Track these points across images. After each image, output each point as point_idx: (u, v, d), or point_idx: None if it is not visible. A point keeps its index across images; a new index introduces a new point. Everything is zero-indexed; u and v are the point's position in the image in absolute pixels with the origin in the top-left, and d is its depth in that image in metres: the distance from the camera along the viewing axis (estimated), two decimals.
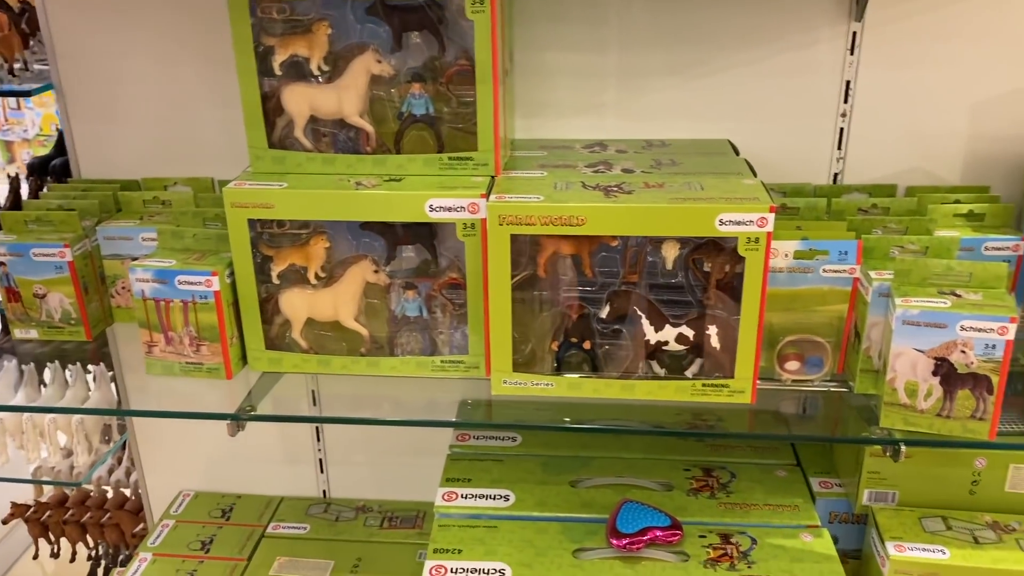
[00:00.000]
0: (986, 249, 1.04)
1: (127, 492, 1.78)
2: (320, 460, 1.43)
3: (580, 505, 1.10)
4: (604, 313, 0.95)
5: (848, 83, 1.11)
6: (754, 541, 1.03)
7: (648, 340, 0.95)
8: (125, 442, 1.65)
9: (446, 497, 1.12)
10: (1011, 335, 0.83)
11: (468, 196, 0.92)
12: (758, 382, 0.98)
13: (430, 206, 0.92)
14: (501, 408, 1.17)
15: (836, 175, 1.16)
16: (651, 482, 1.15)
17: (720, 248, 0.91)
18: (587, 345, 0.96)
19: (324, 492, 1.45)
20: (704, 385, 0.95)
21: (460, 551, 1.03)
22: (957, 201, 1.09)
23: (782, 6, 1.08)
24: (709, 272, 0.92)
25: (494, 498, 1.12)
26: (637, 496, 1.11)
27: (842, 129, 1.13)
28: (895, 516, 1.05)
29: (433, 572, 1.00)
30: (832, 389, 1.00)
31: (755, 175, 0.98)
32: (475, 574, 1.00)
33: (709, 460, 1.19)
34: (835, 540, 1.13)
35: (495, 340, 0.95)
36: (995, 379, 0.85)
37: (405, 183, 0.96)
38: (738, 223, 0.87)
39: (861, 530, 1.11)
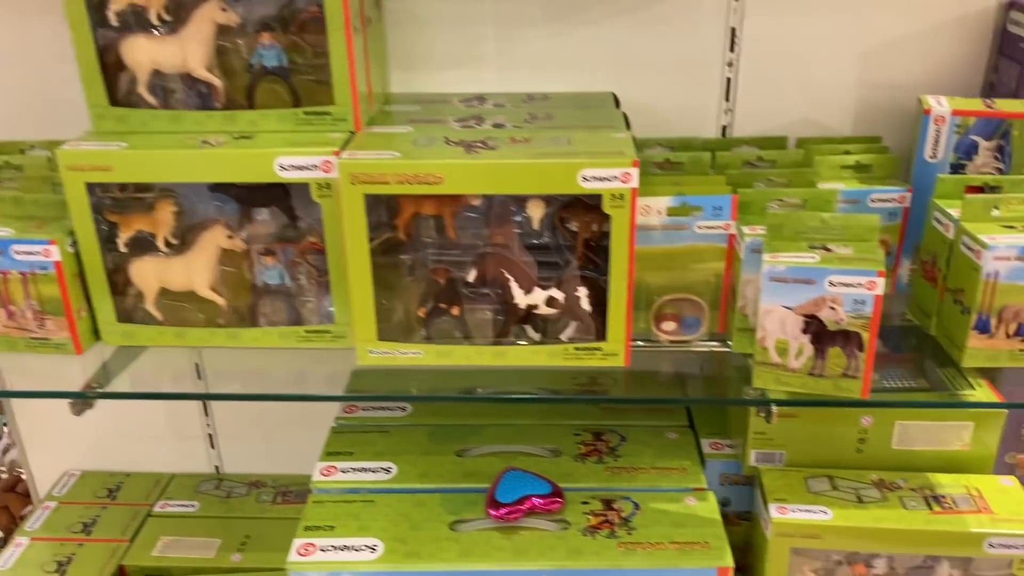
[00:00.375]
0: (872, 201, 1.01)
1: (23, 473, 1.71)
2: (210, 435, 1.37)
3: (463, 475, 1.06)
4: (471, 277, 0.90)
5: (733, 30, 1.06)
6: (636, 506, 1.00)
7: (517, 304, 0.90)
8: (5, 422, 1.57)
9: (324, 472, 1.08)
10: (879, 290, 0.80)
11: (320, 153, 0.86)
12: (636, 343, 0.95)
13: (280, 165, 0.86)
14: (395, 377, 1.13)
15: (725, 128, 1.12)
16: (539, 448, 1.11)
17: (587, 206, 0.86)
18: (455, 311, 0.91)
19: (216, 468, 1.40)
20: (577, 349, 0.91)
21: (333, 527, 0.99)
22: (847, 152, 1.06)
23: None
24: (576, 232, 0.87)
25: (375, 471, 1.08)
26: (523, 464, 1.07)
27: (729, 79, 1.09)
28: (781, 477, 1.03)
29: (301, 551, 0.96)
30: (714, 349, 0.97)
31: (628, 128, 0.93)
32: (346, 551, 0.96)
33: (600, 424, 1.16)
34: (727, 502, 1.12)
35: (357, 308, 0.90)
36: (865, 336, 0.82)
37: (256, 140, 0.90)
38: (601, 179, 0.83)
39: (751, 491, 1.09)
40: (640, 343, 0.96)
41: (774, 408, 0.87)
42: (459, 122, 0.96)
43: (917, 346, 1.03)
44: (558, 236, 0.88)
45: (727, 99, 1.10)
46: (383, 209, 0.88)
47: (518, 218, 0.88)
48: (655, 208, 0.91)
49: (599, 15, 1.06)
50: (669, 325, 0.95)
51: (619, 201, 0.84)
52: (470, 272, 0.90)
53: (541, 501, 0.98)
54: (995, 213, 0.91)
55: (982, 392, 0.99)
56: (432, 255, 0.90)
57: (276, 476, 1.38)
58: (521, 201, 0.87)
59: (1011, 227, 0.88)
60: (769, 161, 1.05)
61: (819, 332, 0.83)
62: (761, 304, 0.84)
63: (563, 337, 0.93)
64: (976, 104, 0.98)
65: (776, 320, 0.83)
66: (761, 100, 1.10)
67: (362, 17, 0.92)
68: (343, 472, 1.08)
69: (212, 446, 1.38)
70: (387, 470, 1.08)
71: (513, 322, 0.91)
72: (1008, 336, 0.88)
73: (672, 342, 0.96)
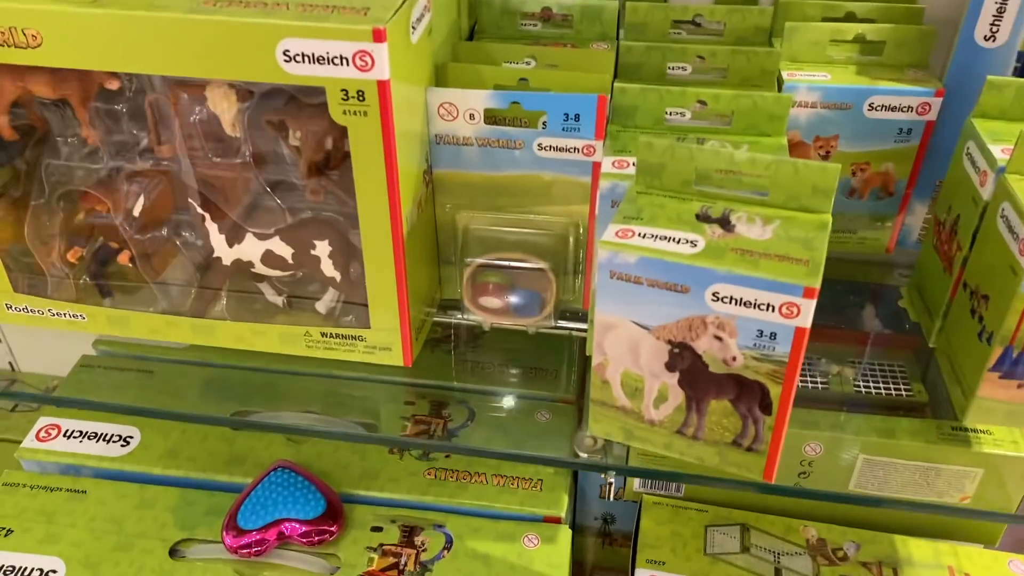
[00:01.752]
0: (871, 108, 0.59)
1: None
2: None
3: (226, 461, 0.75)
4: (137, 209, 0.53)
5: None
6: (449, 542, 0.68)
7: (219, 258, 0.54)
8: None
9: (41, 435, 0.77)
10: (805, 317, 0.41)
11: None
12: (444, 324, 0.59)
13: None
14: None
15: None
16: (349, 422, 0.78)
17: (309, 107, 0.48)
18: (123, 258, 0.56)
19: None
20: (326, 335, 0.56)
21: (10, 531, 0.69)
22: (850, 16, 0.63)
23: None
24: (299, 149, 0.49)
25: (108, 440, 0.77)
26: (311, 451, 0.75)
27: None
28: (671, 519, 0.69)
29: None
30: (574, 333, 0.61)
31: None
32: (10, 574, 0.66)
33: (451, 387, 0.81)
34: (609, 519, 0.79)
35: None
36: (775, 391, 0.44)
37: None
38: (320, 60, 0.44)
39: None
40: (457, 320, 0.60)
41: (610, 478, 0.51)
42: None
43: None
44: (275, 152, 0.50)
45: None
46: None
47: (200, 117, 0.50)
48: (463, 108, 0.52)
49: None
50: (491, 301, 0.58)
51: (358, 103, 0.45)
52: (135, 201, 0.53)
53: (301, 530, 0.67)
54: None
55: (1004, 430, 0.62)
56: (62, 168, 0.53)
57: None
58: (197, 88, 0.49)
59: None
60: (716, 22, 0.63)
61: (694, 374, 0.45)
62: (597, 312, 0.46)
63: (319, 307, 0.57)
64: None
65: (621, 342, 0.46)
66: None
67: None
68: (65, 437, 0.77)
69: None
70: (126, 440, 0.77)
71: (219, 283, 0.56)
72: None
73: (496, 327, 0.60)
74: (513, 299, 0.58)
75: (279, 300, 0.58)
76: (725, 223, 0.44)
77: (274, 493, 0.69)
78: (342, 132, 0.46)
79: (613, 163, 0.50)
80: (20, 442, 0.76)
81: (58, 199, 0.53)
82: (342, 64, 0.44)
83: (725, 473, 0.49)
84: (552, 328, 0.59)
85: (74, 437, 0.76)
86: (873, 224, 0.65)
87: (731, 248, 0.43)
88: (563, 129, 0.52)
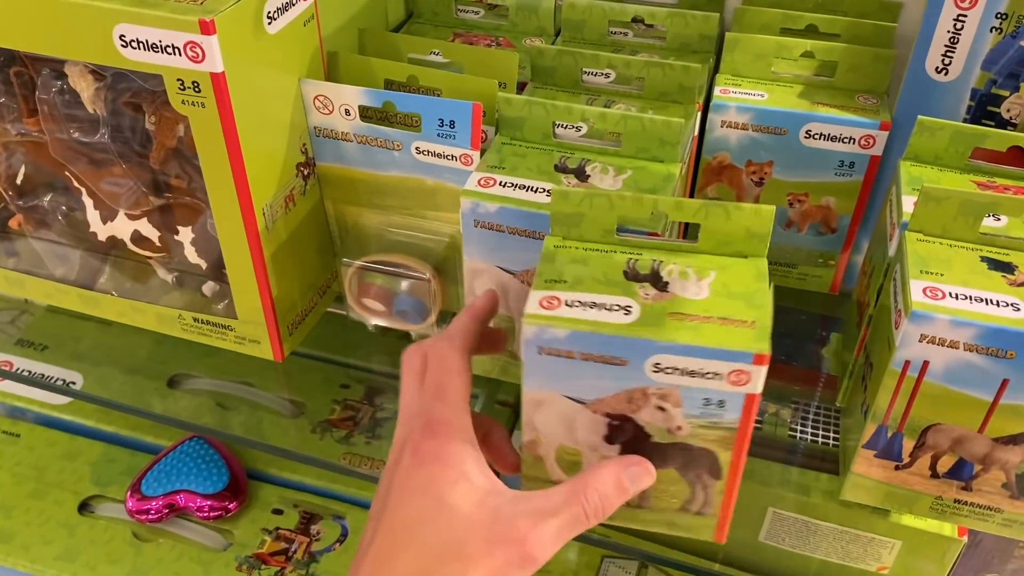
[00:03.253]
0: (807, 136, 0.54)
1: None
2: None
3: (152, 425, 0.76)
4: (19, 177, 0.53)
5: None
6: (344, 534, 0.67)
7: (95, 233, 0.54)
8: None
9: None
10: (755, 384, 0.37)
11: None
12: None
13: None
14: None
15: None
16: (279, 397, 0.77)
17: (162, 93, 0.46)
18: (15, 223, 0.56)
19: None
20: (198, 320, 0.55)
21: None
22: (811, 29, 0.57)
23: None
24: (154, 134, 0.48)
25: (53, 381, 0.79)
26: (235, 420, 0.75)
27: None
28: (564, 550, 0.65)
29: None
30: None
31: None
32: None
33: (392, 374, 0.80)
34: None
35: None
36: (724, 458, 0.41)
37: None
38: (155, 48, 0.43)
39: None
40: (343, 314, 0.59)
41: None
42: None
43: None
44: (134, 134, 0.49)
45: None
46: None
47: (63, 95, 0.49)
48: (339, 104, 0.50)
49: None
50: (374, 304, 0.56)
51: (193, 94, 0.44)
52: (18, 169, 0.53)
53: (198, 503, 0.67)
54: (992, 224, 0.44)
55: None
56: None
57: None
58: (56, 64, 0.48)
59: (1006, 269, 0.42)
60: (651, 26, 0.58)
61: (636, 445, 0.41)
62: (525, 391, 0.41)
63: (205, 289, 0.57)
64: None
65: (554, 418, 0.42)
66: None
67: None
68: (17, 376, 0.79)
69: None
70: (69, 384, 0.79)
71: (97, 257, 0.56)
72: (934, 475, 0.45)
73: (380, 328, 0.58)
74: (397, 303, 0.56)
75: (169, 277, 0.57)
76: (656, 280, 0.40)
77: (182, 463, 0.69)
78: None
79: (479, 181, 0.47)
80: None
81: None
82: (175, 54, 0.42)
83: (672, 535, 0.45)
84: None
85: (26, 375, 0.79)
86: (814, 260, 0.60)
87: (669, 313, 0.38)
88: (438, 135, 0.49)
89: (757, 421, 0.63)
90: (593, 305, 0.39)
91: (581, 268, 0.41)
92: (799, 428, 0.63)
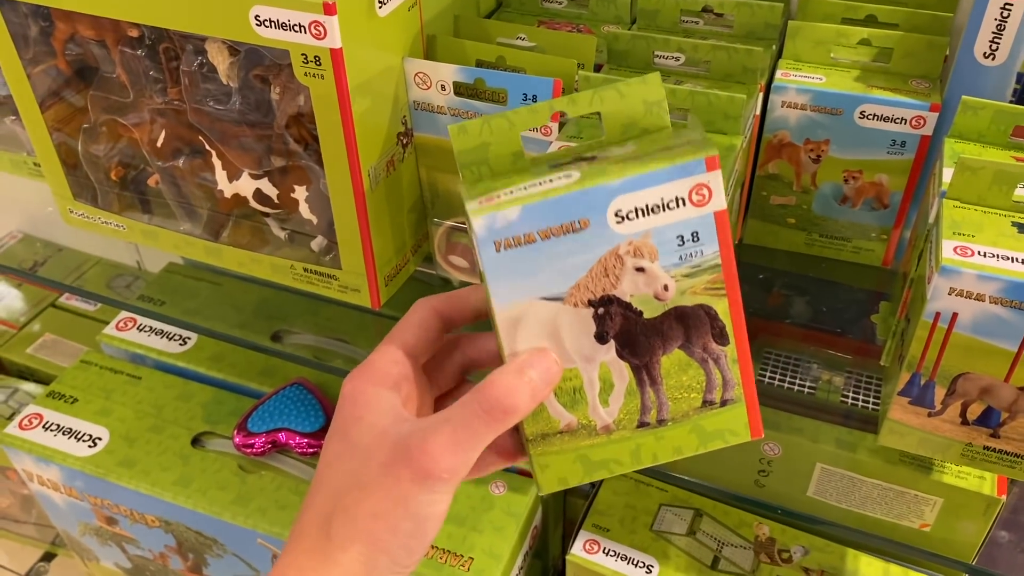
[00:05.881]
0: (862, 116, 0.59)
1: None
2: None
3: (259, 371, 0.84)
4: (160, 141, 0.62)
5: None
6: None
7: (222, 191, 0.62)
8: None
9: (120, 325, 0.89)
10: (717, 196, 0.37)
11: None
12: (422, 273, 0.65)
13: None
14: None
15: None
16: (369, 352, 0.85)
17: (288, 66, 0.54)
18: (152, 181, 0.65)
19: (138, 263, 1.26)
20: (306, 271, 0.63)
21: (75, 400, 0.82)
22: (871, 19, 0.62)
23: None
24: (278, 102, 0.56)
25: (171, 337, 0.88)
26: (328, 377, 0.83)
27: None
28: (630, 492, 0.71)
29: (25, 423, 0.80)
30: None
31: None
32: (67, 437, 0.79)
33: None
34: None
35: (41, 153, 0.66)
36: (721, 305, 0.39)
37: None
38: (284, 26, 0.50)
39: None
40: (431, 272, 0.65)
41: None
42: None
43: None
44: (259, 103, 0.57)
45: None
46: (39, 26, 0.60)
47: (202, 68, 0.57)
48: (435, 79, 0.57)
49: None
50: (459, 261, 0.63)
51: (315, 66, 0.51)
52: (159, 134, 0.61)
53: (299, 439, 0.75)
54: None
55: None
56: (104, 100, 0.62)
57: None
58: (199, 41, 0.56)
59: None
60: (720, 15, 0.63)
61: (630, 333, 0.39)
62: (497, 309, 0.38)
63: (313, 245, 0.64)
64: None
65: (537, 332, 0.38)
66: None
67: None
68: (140, 331, 0.89)
69: None
70: (183, 340, 0.88)
71: (223, 212, 0.63)
72: (964, 422, 0.49)
73: (463, 284, 0.64)
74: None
75: (282, 234, 0.65)
76: (592, 159, 0.39)
77: (284, 405, 0.77)
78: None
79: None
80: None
81: (101, 125, 0.63)
82: (301, 32, 0.50)
83: (711, 450, 0.41)
84: None
85: (143, 331, 0.88)
86: (868, 234, 0.64)
87: (610, 163, 0.37)
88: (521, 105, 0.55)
89: (811, 388, 0.68)
90: (534, 186, 0.37)
91: (505, 179, 0.39)
92: (851, 395, 0.68)
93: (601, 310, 0.38)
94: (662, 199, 0.36)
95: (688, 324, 0.39)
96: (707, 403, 0.40)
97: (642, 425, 0.40)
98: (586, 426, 0.40)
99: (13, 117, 0.72)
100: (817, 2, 0.62)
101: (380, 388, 0.39)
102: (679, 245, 0.37)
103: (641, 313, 0.38)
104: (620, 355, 0.39)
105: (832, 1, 0.62)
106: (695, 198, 0.36)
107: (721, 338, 0.39)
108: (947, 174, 0.50)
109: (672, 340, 0.39)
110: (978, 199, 0.48)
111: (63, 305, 1.20)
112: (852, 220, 0.64)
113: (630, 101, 0.40)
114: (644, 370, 0.40)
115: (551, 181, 0.37)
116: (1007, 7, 0.52)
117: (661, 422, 0.40)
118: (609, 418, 0.40)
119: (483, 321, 0.42)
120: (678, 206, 0.36)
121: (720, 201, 0.37)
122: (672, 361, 0.39)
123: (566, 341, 0.38)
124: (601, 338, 0.39)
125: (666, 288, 0.38)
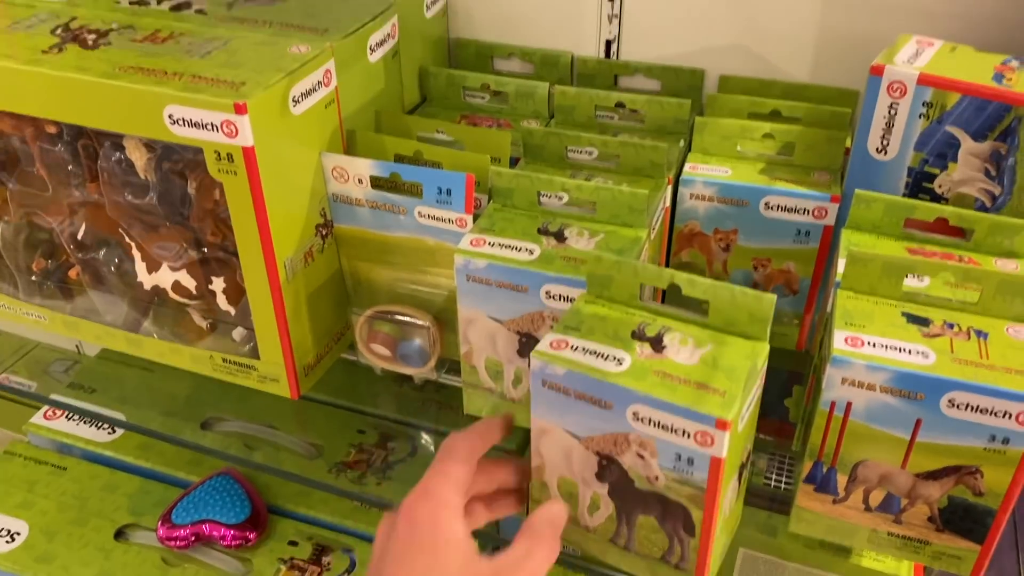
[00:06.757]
0: (767, 208, 0.61)
1: None
2: None
3: (187, 461, 0.83)
4: (80, 233, 0.62)
5: None
6: (352, 565, 0.73)
7: (142, 283, 0.62)
8: None
9: (48, 414, 0.88)
10: (719, 447, 0.42)
11: None
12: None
13: None
14: None
15: (609, 44, 0.72)
16: (301, 441, 0.84)
17: (201, 162, 0.55)
18: (73, 273, 0.65)
19: (78, 348, 1.25)
20: (227, 361, 0.63)
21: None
22: (775, 114, 0.64)
23: None
24: (194, 197, 0.57)
25: (98, 425, 0.87)
26: (261, 457, 0.82)
27: None
28: None
29: None
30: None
31: (355, 32, 0.58)
32: None
33: (405, 421, 0.86)
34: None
35: None
36: (696, 515, 0.46)
37: None
38: (197, 125, 0.51)
39: None
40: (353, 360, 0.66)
41: None
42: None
43: None
44: (178, 198, 0.58)
45: None
46: None
47: (120, 163, 0.58)
48: (353, 175, 0.58)
49: None
50: (381, 349, 0.63)
51: (228, 164, 0.52)
52: (79, 227, 0.62)
53: (222, 531, 0.74)
54: (913, 284, 0.50)
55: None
56: (24, 193, 0.62)
57: None
58: (116, 138, 0.57)
59: (922, 323, 0.47)
60: (634, 111, 0.66)
61: (622, 487, 0.47)
62: (533, 419, 0.49)
63: (235, 335, 0.64)
64: (979, 68, 0.54)
65: (556, 448, 0.49)
66: (664, 11, 0.69)
67: None
68: (68, 419, 0.88)
69: None
70: (112, 429, 0.87)
71: (142, 304, 0.64)
72: (867, 508, 0.50)
73: (387, 371, 0.65)
74: (401, 349, 0.63)
75: (204, 324, 0.65)
76: (657, 343, 0.46)
77: (210, 496, 0.76)
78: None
79: (471, 241, 0.54)
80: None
81: (22, 218, 0.63)
82: (213, 130, 0.51)
83: None
84: (436, 379, 0.63)
85: (71, 419, 0.87)
86: (780, 320, 0.66)
87: (655, 371, 0.44)
88: (437, 201, 0.57)
89: None
90: (593, 353, 0.45)
91: (598, 323, 0.47)
92: (773, 476, 0.68)
93: (605, 463, 0.47)
94: (672, 424, 0.43)
95: (667, 509, 0.46)
96: (665, 560, 0.49)
97: (612, 541, 0.50)
98: (574, 519, 0.51)
99: None
100: (724, 98, 0.65)
101: (455, 511, 0.46)
102: (676, 459, 0.44)
103: (633, 482, 0.46)
104: (610, 495, 0.48)
105: (739, 97, 0.65)
106: (699, 439, 0.42)
107: (690, 531, 0.46)
108: (842, 264, 0.51)
109: (651, 511, 0.47)
110: (870, 289, 0.49)
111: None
112: None
113: (739, 305, 0.46)
114: (624, 514, 0.49)
115: (605, 359, 0.45)
116: (893, 106, 0.54)
117: (626, 549, 0.50)
118: (591, 524, 0.50)
119: None
120: (684, 437, 0.43)
121: (721, 451, 0.42)
122: (647, 520, 0.48)
123: (574, 464, 0.48)
124: (600, 479, 0.47)
125: (656, 479, 0.45)
